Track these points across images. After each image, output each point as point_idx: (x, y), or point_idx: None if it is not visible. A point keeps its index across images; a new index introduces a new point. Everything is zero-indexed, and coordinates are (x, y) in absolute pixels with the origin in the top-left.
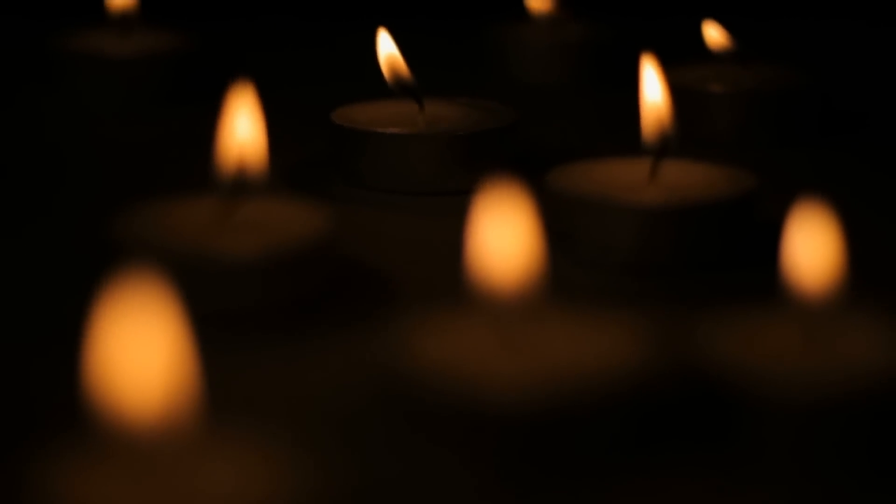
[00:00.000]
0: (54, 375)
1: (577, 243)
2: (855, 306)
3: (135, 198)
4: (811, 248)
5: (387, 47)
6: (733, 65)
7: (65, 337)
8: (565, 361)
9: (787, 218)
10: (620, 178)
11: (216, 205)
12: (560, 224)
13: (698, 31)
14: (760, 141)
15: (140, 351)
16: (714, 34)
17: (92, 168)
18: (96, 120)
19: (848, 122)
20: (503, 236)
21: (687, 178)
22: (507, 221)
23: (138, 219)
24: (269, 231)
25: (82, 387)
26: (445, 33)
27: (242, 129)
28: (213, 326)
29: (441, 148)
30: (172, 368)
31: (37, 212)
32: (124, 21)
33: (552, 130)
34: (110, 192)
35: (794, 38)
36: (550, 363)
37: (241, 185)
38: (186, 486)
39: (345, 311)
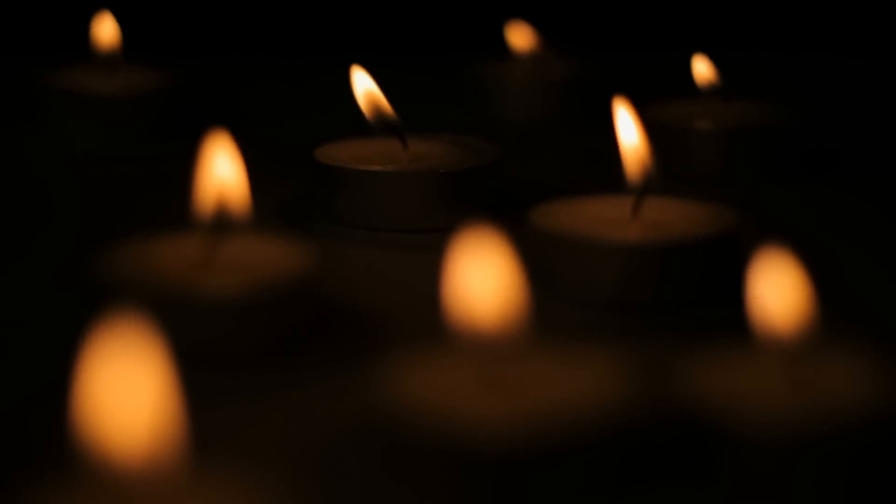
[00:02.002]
0: (40, 414)
1: (559, 280)
2: (834, 342)
3: (118, 236)
4: (778, 288)
5: (365, 85)
6: (717, 101)
7: (50, 375)
8: (547, 399)
9: (752, 259)
10: (603, 215)
11: (199, 243)
12: (543, 261)
13: (680, 67)
14: (744, 177)
15: (125, 390)
16: (703, 69)
17: (76, 206)
18: (81, 157)
19: (832, 158)
20: (485, 274)
21: (670, 215)
22: (488, 259)
23: (121, 257)
24: (252, 269)
25: (68, 425)
26: (428, 70)
27: (221, 169)
28: (196, 365)
29: (424, 185)
30: (157, 408)
31: (21, 249)
32: (109, 58)
33: (535, 168)
34: (94, 229)
35: (778, 73)
36: (532, 401)
37: (223, 223)
38: None
39: (327, 348)
